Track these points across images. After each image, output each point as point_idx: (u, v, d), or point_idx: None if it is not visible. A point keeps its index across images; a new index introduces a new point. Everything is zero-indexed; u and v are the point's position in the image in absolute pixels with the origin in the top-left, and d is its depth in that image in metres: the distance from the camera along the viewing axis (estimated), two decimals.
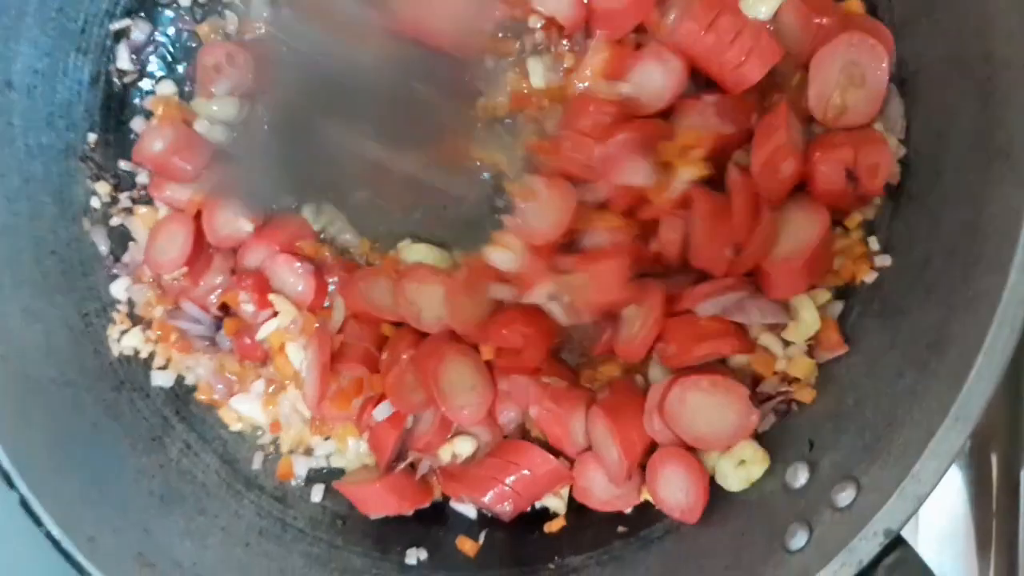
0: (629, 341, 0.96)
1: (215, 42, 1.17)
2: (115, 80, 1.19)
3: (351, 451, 1.12)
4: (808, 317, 0.93)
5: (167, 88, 1.19)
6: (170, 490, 1.09)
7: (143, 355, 1.16)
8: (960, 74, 0.84)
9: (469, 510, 1.08)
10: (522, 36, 1.07)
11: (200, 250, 1.14)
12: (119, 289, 1.17)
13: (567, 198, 0.97)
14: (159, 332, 1.16)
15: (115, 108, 1.20)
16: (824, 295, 0.94)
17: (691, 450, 0.96)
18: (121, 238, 1.19)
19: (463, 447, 1.05)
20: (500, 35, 1.07)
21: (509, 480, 1.00)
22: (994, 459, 1.04)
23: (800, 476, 0.88)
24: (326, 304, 1.12)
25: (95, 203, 1.18)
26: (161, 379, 1.16)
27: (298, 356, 1.10)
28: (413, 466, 1.08)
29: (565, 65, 1.04)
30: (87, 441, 1.07)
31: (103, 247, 1.18)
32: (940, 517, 1.05)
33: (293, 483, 1.14)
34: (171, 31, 1.20)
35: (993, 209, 0.77)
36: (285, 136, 1.11)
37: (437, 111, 1.08)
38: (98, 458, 1.07)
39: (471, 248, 1.04)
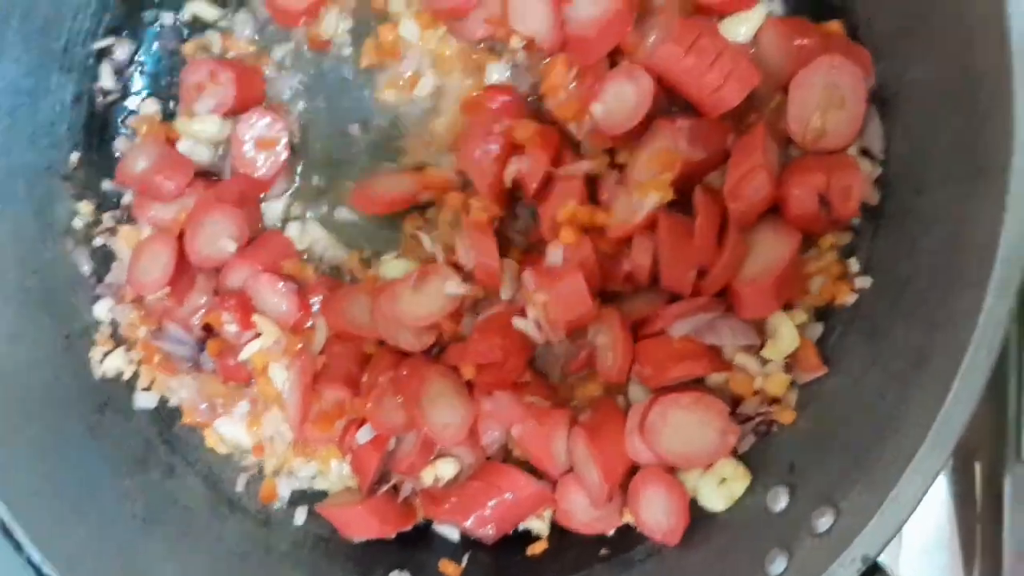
0: (607, 371, 0.97)
1: (198, 60, 1.17)
2: (98, 99, 1.19)
3: (334, 473, 1.11)
4: (787, 334, 0.93)
5: (151, 107, 1.20)
6: (153, 513, 1.08)
7: (126, 376, 1.16)
8: (940, 93, 0.84)
9: (452, 533, 1.07)
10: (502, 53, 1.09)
11: (183, 270, 1.13)
12: (102, 310, 1.17)
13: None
14: (142, 353, 1.15)
15: (98, 127, 1.20)
16: (801, 316, 0.94)
17: (672, 472, 0.96)
18: (104, 258, 1.18)
19: (446, 469, 1.05)
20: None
21: (491, 504, 1.00)
22: (977, 468, 1.04)
23: (780, 499, 0.88)
24: (309, 324, 1.12)
25: (78, 223, 1.17)
26: (144, 401, 1.16)
27: (281, 377, 1.10)
28: (396, 488, 1.07)
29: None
30: (68, 464, 1.06)
31: (86, 267, 1.17)
32: (925, 525, 1.06)
33: (276, 505, 1.13)
34: (155, 49, 1.20)
35: (972, 229, 0.77)
36: None
37: None
38: (80, 481, 1.06)
39: None
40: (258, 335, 1.10)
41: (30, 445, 1.04)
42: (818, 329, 0.95)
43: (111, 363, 1.15)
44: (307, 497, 1.13)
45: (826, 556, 0.76)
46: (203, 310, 1.14)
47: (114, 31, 1.18)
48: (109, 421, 1.13)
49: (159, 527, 1.07)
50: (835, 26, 0.95)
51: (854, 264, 0.93)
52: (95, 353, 1.15)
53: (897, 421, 0.78)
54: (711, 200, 0.92)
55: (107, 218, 1.19)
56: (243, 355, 1.10)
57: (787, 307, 0.94)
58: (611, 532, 1.01)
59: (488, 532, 1.02)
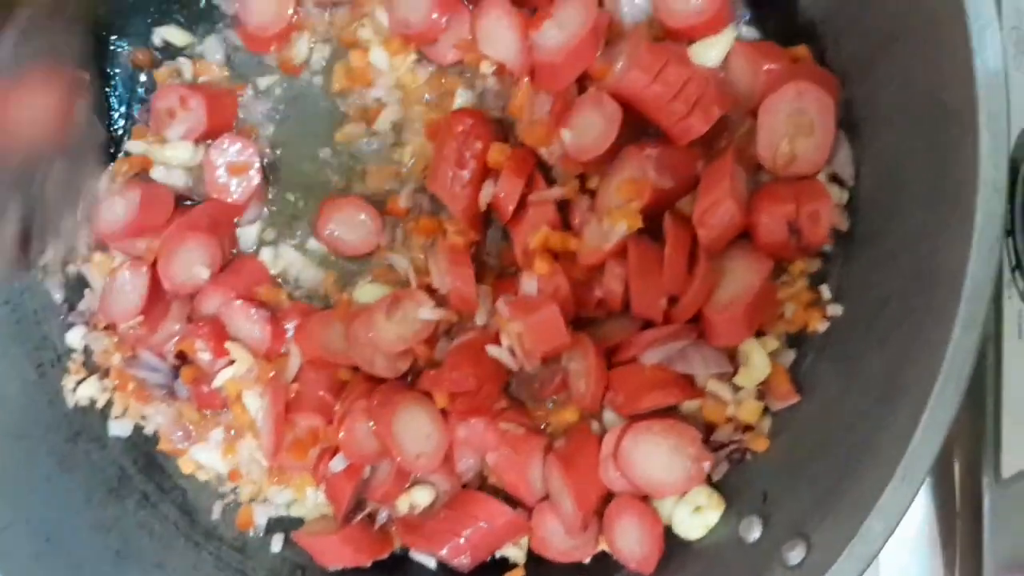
0: (580, 398, 0.97)
1: (168, 86, 1.16)
2: None
3: (310, 500, 1.10)
4: (758, 362, 0.93)
5: (135, 147, 1.16)
6: (127, 544, 1.08)
7: (100, 404, 1.15)
8: (908, 120, 0.83)
9: (429, 560, 1.06)
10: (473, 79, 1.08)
11: (157, 298, 1.12)
12: (75, 338, 1.15)
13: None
14: (116, 381, 1.14)
15: None
16: (773, 343, 0.94)
17: (646, 500, 0.96)
18: (76, 285, 1.17)
19: (421, 497, 1.04)
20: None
21: (466, 533, 0.99)
22: (956, 467, 1.04)
23: (754, 530, 0.87)
24: (283, 351, 1.11)
25: (49, 251, 1.16)
26: (118, 429, 1.15)
27: (255, 404, 1.09)
28: (371, 517, 1.06)
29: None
30: (41, 495, 1.06)
31: (58, 295, 1.16)
32: (905, 524, 1.06)
33: (252, 533, 1.12)
34: (121, 76, 1.19)
35: (940, 259, 0.76)
36: None
37: None
38: (53, 513, 1.05)
39: None
40: (232, 362, 1.10)
41: (2, 478, 1.03)
42: (790, 356, 0.94)
43: (84, 391, 1.14)
44: (283, 524, 1.12)
45: None
46: (177, 337, 1.13)
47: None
48: (82, 451, 1.12)
49: (134, 559, 1.07)
50: (803, 51, 0.94)
51: (826, 291, 0.93)
52: (68, 381, 1.14)
53: (866, 453, 0.77)
54: (681, 227, 0.92)
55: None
56: (216, 382, 1.09)
57: (759, 334, 0.94)
58: (587, 560, 1.01)
59: (464, 561, 1.01)
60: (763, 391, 0.94)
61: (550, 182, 1.03)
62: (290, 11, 1.12)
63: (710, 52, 0.95)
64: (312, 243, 1.15)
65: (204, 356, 1.09)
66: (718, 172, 0.90)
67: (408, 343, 1.02)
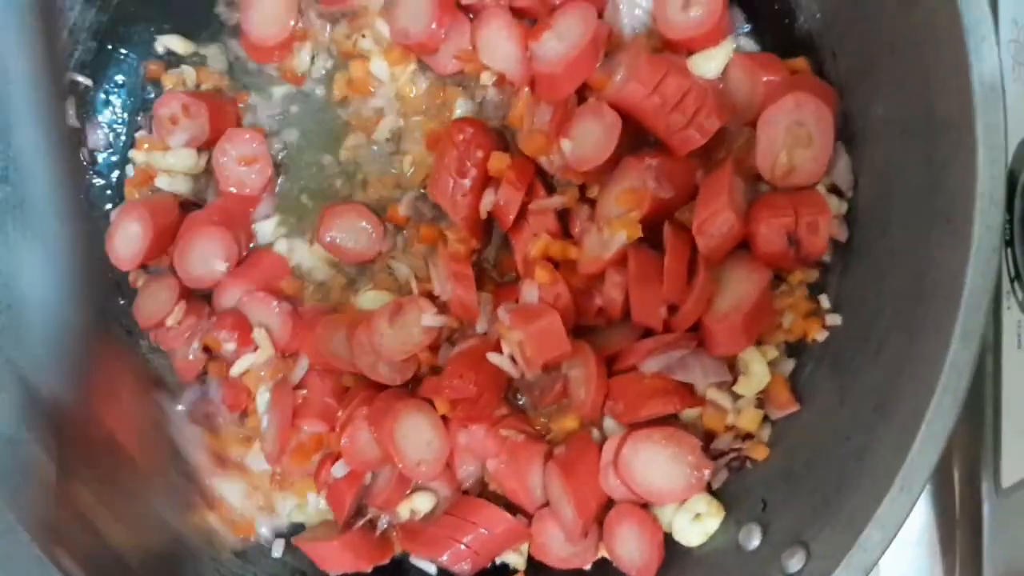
0: (580, 407, 0.97)
1: (171, 93, 1.17)
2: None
3: (311, 506, 1.11)
4: (758, 371, 0.93)
5: (140, 158, 1.17)
6: None
7: None
8: (902, 134, 0.84)
9: (429, 566, 1.07)
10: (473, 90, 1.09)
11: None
12: None
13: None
14: None
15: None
16: (772, 352, 0.95)
17: (646, 507, 0.96)
18: None
19: (422, 503, 1.04)
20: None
21: (466, 539, 0.99)
22: (956, 476, 1.05)
23: (754, 538, 0.88)
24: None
25: None
26: None
27: (264, 403, 1.09)
28: (372, 523, 1.07)
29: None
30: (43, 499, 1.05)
31: None
32: (905, 532, 1.06)
33: (253, 539, 1.13)
34: (126, 82, 1.20)
35: (936, 274, 0.77)
36: None
37: None
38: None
39: None
40: (256, 349, 1.10)
41: (3, 481, 1.02)
42: (790, 365, 0.95)
43: None
44: (284, 530, 1.12)
45: None
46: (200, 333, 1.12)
47: (84, 65, 1.17)
48: None
49: None
50: (801, 63, 0.95)
51: (825, 301, 0.93)
52: None
53: (865, 463, 0.78)
54: (680, 237, 0.92)
55: None
56: (236, 369, 1.10)
57: (759, 343, 0.95)
58: (588, 567, 1.01)
59: (464, 567, 1.01)
60: (763, 400, 0.95)
61: (550, 191, 1.04)
62: (292, 22, 1.12)
63: (709, 64, 0.96)
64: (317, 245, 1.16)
65: (229, 347, 1.10)
66: (717, 182, 0.90)
67: (411, 350, 1.02)
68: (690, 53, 0.97)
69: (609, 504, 0.98)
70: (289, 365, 1.10)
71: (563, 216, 1.03)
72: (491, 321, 1.03)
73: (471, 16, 1.07)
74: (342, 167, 1.15)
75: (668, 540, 0.96)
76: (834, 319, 0.92)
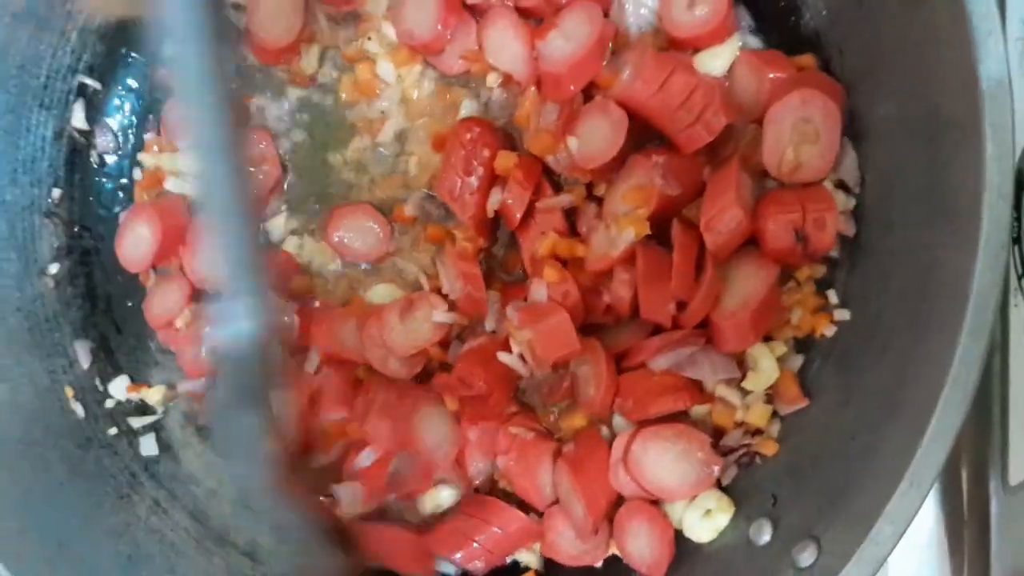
0: (589, 404, 0.97)
1: None
2: (77, 137, 1.19)
3: None
4: (767, 366, 0.94)
5: (149, 161, 1.18)
6: (138, 550, 1.08)
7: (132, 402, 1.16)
8: (907, 131, 0.84)
9: (448, 566, 1.05)
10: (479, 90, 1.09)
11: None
12: (118, 388, 1.17)
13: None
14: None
15: (80, 163, 1.19)
16: (781, 348, 0.95)
17: (656, 504, 0.96)
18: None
19: (446, 497, 1.04)
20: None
21: (480, 538, 1.00)
22: (964, 474, 1.05)
23: (764, 533, 0.88)
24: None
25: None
26: (148, 447, 1.16)
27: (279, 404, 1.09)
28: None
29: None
30: (52, 501, 1.06)
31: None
32: (913, 530, 1.06)
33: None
34: (135, 86, 1.20)
35: (946, 267, 0.77)
36: None
37: None
38: (64, 519, 1.05)
39: None
40: None
41: (12, 485, 1.03)
42: (798, 361, 0.95)
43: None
44: None
45: None
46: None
47: (93, 68, 1.17)
48: (93, 457, 1.13)
49: (145, 565, 1.07)
50: (808, 60, 0.95)
51: (833, 296, 0.93)
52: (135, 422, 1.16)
53: (874, 459, 0.78)
54: (688, 234, 0.93)
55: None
56: None
57: (767, 339, 0.95)
58: (599, 564, 1.01)
59: (478, 566, 1.02)
60: (771, 395, 0.95)
61: (557, 190, 1.04)
62: (299, 24, 1.13)
63: (715, 62, 0.96)
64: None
65: None
66: (724, 179, 0.91)
67: (421, 346, 1.02)
68: (696, 51, 0.98)
69: (619, 501, 0.98)
70: (300, 360, 1.10)
71: (570, 214, 1.03)
72: (499, 319, 1.03)
73: (477, 16, 1.08)
74: (349, 167, 1.15)
75: (679, 537, 0.96)
76: (842, 314, 0.92)
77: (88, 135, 1.19)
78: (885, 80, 0.87)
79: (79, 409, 1.13)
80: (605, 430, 1.01)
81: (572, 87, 0.99)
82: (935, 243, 0.78)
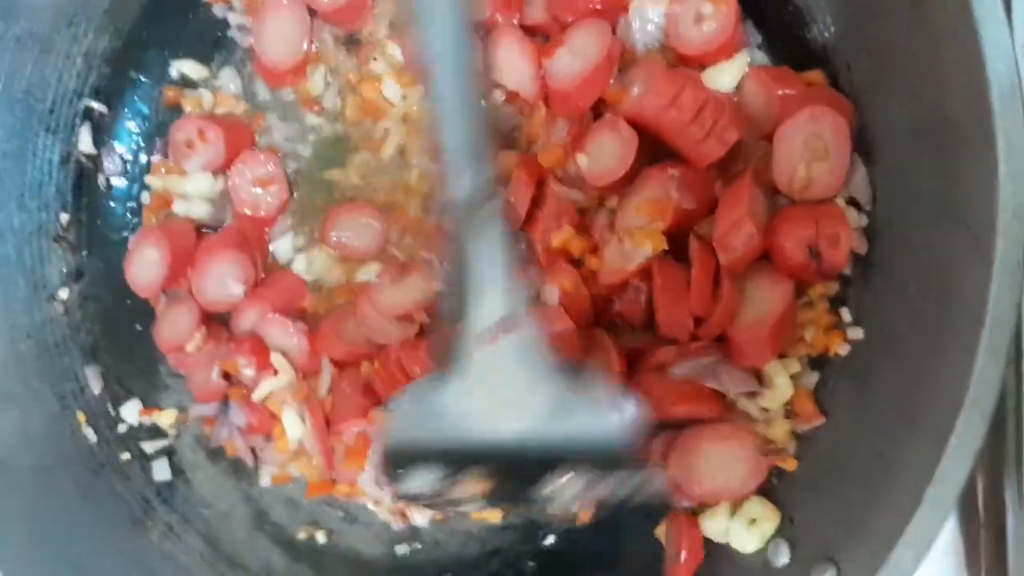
0: None
1: (186, 118, 1.18)
2: (84, 161, 1.19)
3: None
4: (781, 383, 0.93)
5: (156, 183, 1.19)
6: (153, 574, 1.08)
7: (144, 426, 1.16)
8: (918, 143, 0.83)
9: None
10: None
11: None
12: (130, 413, 1.17)
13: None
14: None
15: (87, 187, 1.19)
16: (795, 365, 0.94)
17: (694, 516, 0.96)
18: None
19: None
20: None
21: None
22: (980, 488, 1.04)
23: (782, 555, 0.87)
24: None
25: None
26: (161, 472, 1.15)
27: (294, 427, 1.09)
28: None
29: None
30: (65, 528, 1.06)
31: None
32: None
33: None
34: (141, 108, 1.20)
35: (959, 286, 0.76)
36: None
37: None
38: (77, 545, 1.05)
39: None
40: (275, 373, 1.10)
41: (25, 512, 1.03)
42: (813, 378, 0.94)
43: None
44: None
45: None
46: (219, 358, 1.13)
47: (98, 91, 1.17)
48: (105, 482, 1.12)
49: None
50: (816, 75, 0.95)
51: (846, 314, 0.93)
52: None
53: (893, 479, 0.77)
54: (706, 250, 0.92)
55: None
56: (257, 394, 1.09)
57: (781, 356, 0.94)
58: None
59: None
60: (788, 408, 0.94)
61: None
62: (305, 45, 1.13)
63: (723, 77, 0.96)
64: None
65: (248, 372, 1.10)
66: (736, 194, 0.90)
67: (409, 307, 1.02)
68: (703, 68, 0.97)
69: None
70: (312, 385, 1.10)
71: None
72: None
73: (483, 35, 1.07)
74: (352, 181, 1.15)
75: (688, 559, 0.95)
76: (856, 332, 0.91)
77: (95, 159, 1.19)
78: (895, 93, 0.86)
79: (91, 434, 1.13)
80: None
81: (581, 104, 0.99)
82: (950, 259, 0.77)
